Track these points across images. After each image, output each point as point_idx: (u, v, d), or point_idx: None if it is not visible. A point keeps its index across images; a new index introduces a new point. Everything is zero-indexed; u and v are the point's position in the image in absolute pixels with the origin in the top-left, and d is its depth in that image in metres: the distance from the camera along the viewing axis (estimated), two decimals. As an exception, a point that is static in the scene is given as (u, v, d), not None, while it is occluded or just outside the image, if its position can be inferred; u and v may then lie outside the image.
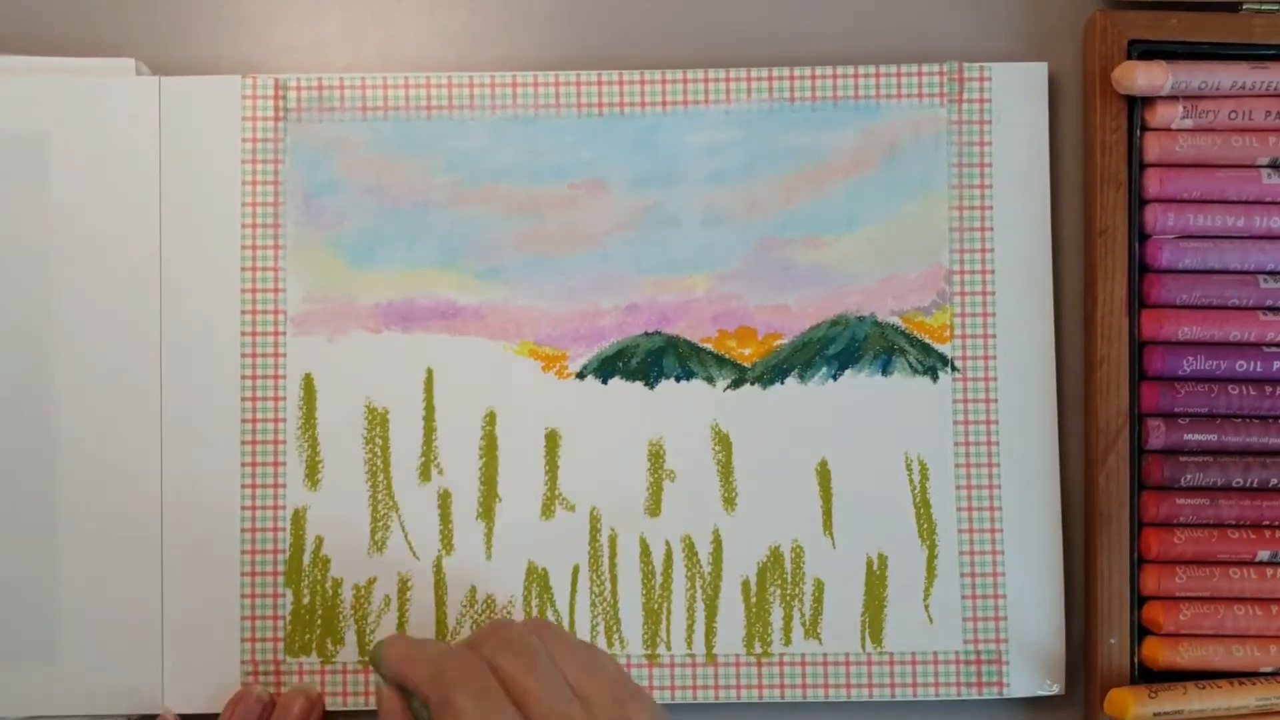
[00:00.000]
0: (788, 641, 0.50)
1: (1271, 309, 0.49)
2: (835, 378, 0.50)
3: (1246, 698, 0.47)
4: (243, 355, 0.50)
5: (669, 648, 0.50)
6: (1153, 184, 0.49)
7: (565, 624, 0.50)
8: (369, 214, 0.50)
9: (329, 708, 0.49)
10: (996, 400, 0.50)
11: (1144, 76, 0.48)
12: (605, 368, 0.50)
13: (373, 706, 0.49)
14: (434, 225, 0.50)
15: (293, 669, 0.49)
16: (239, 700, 0.48)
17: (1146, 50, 0.49)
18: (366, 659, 0.49)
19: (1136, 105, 0.49)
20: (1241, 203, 0.49)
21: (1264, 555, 0.48)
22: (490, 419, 0.50)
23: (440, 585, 0.50)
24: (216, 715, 0.49)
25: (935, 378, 0.50)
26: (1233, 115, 0.48)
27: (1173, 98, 0.48)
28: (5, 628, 0.49)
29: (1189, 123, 0.48)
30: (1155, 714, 0.47)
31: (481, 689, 0.41)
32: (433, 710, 0.41)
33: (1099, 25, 0.49)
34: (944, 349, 0.50)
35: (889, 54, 0.51)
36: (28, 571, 0.49)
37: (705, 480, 0.50)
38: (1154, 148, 0.49)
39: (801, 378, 0.50)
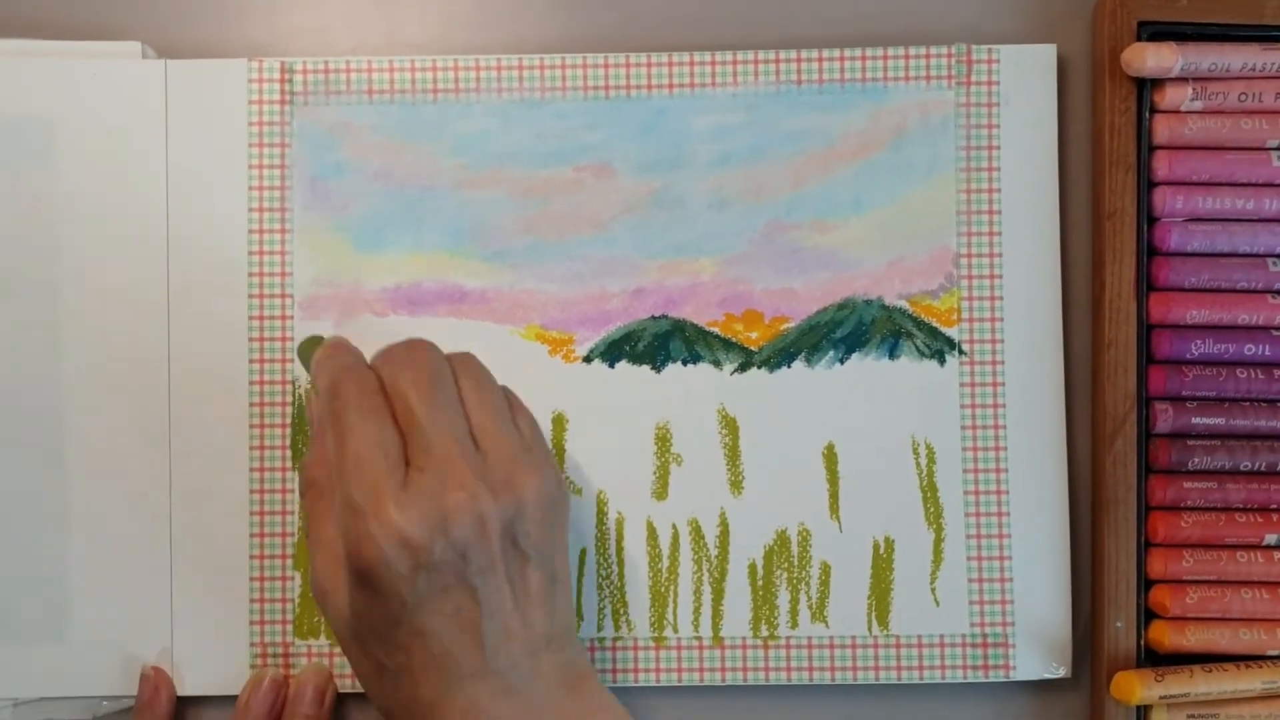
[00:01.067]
0: (794, 624, 0.50)
1: (1281, 292, 0.49)
2: (842, 361, 0.50)
3: (1253, 681, 0.47)
4: (250, 339, 0.50)
5: (676, 630, 0.50)
6: (1162, 167, 0.49)
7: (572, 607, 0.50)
8: (376, 198, 0.50)
9: (338, 690, 0.49)
10: (1004, 384, 0.50)
11: (1154, 58, 0.47)
12: (612, 351, 0.50)
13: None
14: (441, 209, 0.50)
15: (301, 651, 0.49)
16: (255, 685, 0.48)
17: (1156, 32, 0.49)
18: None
19: (1146, 87, 0.49)
20: (1251, 185, 0.49)
21: (1271, 539, 0.48)
22: (497, 402, 0.50)
23: (448, 568, 0.50)
24: (224, 697, 0.49)
25: (942, 361, 0.50)
26: (1243, 97, 0.48)
27: (1182, 79, 0.48)
28: (16, 609, 0.49)
29: (1199, 105, 0.48)
30: (1161, 697, 0.47)
31: (369, 407, 0.40)
32: (317, 421, 0.41)
33: (1108, 7, 0.49)
34: (951, 332, 0.50)
35: (896, 36, 0.51)
36: (38, 553, 0.49)
37: (712, 464, 0.50)
38: (1163, 130, 0.49)
39: (809, 361, 0.50)
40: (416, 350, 0.42)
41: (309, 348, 0.46)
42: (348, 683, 0.49)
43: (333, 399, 0.41)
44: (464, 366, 0.43)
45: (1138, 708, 0.48)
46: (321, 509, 0.42)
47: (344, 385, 0.41)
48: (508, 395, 0.44)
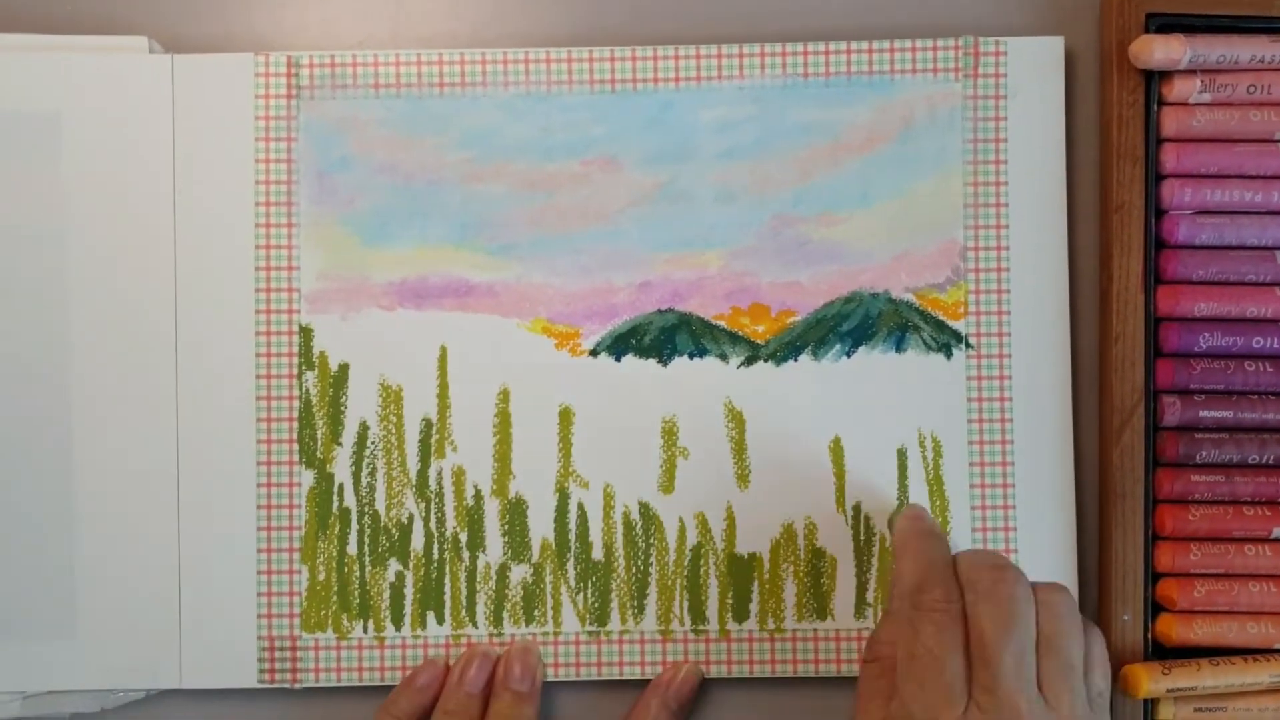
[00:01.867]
0: (800, 617, 0.50)
1: (1289, 285, 0.49)
2: (849, 355, 0.50)
3: (1260, 674, 0.47)
4: (257, 333, 0.50)
5: (682, 623, 0.50)
6: (1169, 159, 0.49)
7: (579, 599, 0.50)
8: (382, 191, 0.50)
9: (344, 684, 0.50)
10: (1010, 377, 0.50)
11: (1161, 50, 0.47)
12: (618, 345, 0.50)
13: (389, 683, 0.49)
14: (447, 202, 0.50)
15: (309, 645, 0.50)
16: (471, 659, 0.49)
17: (1164, 24, 0.48)
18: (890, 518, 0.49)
19: (1153, 80, 0.49)
20: (1259, 178, 0.49)
21: (1279, 532, 0.48)
22: (504, 396, 0.50)
23: (454, 561, 0.50)
24: (232, 690, 0.49)
25: (949, 355, 0.50)
26: (1251, 89, 0.48)
27: (1190, 71, 0.48)
28: (25, 605, 0.49)
29: (1207, 97, 0.48)
30: (1169, 690, 0.47)
31: (947, 626, 0.40)
32: (891, 613, 0.42)
33: (1116, -1, 0.49)
34: (958, 326, 0.50)
35: (903, 28, 0.51)
36: (47, 549, 0.49)
37: (718, 457, 0.50)
38: (1171, 122, 0.49)
39: (815, 355, 0.50)
40: (1002, 583, 0.42)
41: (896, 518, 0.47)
42: (352, 676, 0.50)
43: (915, 600, 0.41)
44: (1049, 603, 0.42)
45: (1145, 701, 0.48)
46: (879, 687, 0.43)
47: (929, 591, 0.42)
48: (1091, 642, 0.43)
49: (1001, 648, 0.40)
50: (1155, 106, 0.49)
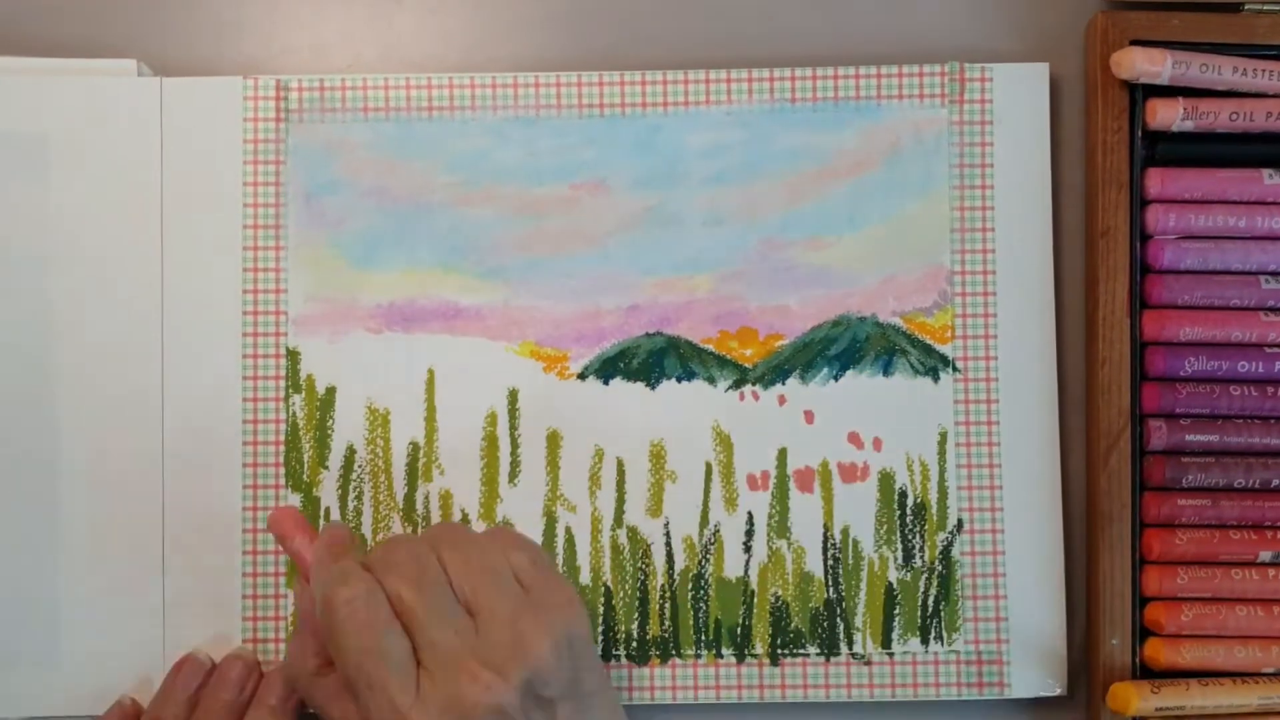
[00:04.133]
0: (789, 642, 0.49)
1: (1273, 309, 0.49)
2: (836, 378, 0.50)
3: (1249, 696, 0.47)
4: (244, 356, 0.50)
5: (675, 649, 0.50)
6: (1154, 184, 0.49)
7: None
8: (370, 215, 0.50)
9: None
10: (998, 401, 0.50)
11: (1143, 61, 0.48)
12: (607, 368, 0.50)
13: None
14: (435, 226, 0.50)
15: (294, 670, 0.49)
16: (182, 665, 0.48)
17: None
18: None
19: (1138, 106, 0.49)
20: (1243, 203, 0.49)
21: (1266, 556, 0.48)
22: (491, 419, 0.50)
23: (441, 586, 0.50)
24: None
25: (936, 378, 0.50)
26: (1234, 116, 0.48)
27: (1173, 99, 0.48)
28: (8, 630, 0.49)
29: (1190, 125, 0.48)
30: (1158, 709, 0.47)
31: (367, 618, 0.40)
32: (321, 626, 0.41)
33: (1100, 25, 0.49)
34: (945, 350, 0.50)
35: (890, 55, 0.51)
36: (30, 574, 0.49)
37: (706, 481, 0.50)
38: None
39: (803, 378, 0.50)
40: (395, 549, 0.42)
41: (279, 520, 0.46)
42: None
43: (329, 615, 0.41)
44: (442, 537, 0.42)
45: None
46: (329, 689, 0.43)
47: (331, 599, 0.41)
48: (497, 533, 0.44)
49: (421, 599, 0.40)
50: (1139, 132, 0.49)
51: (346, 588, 0.41)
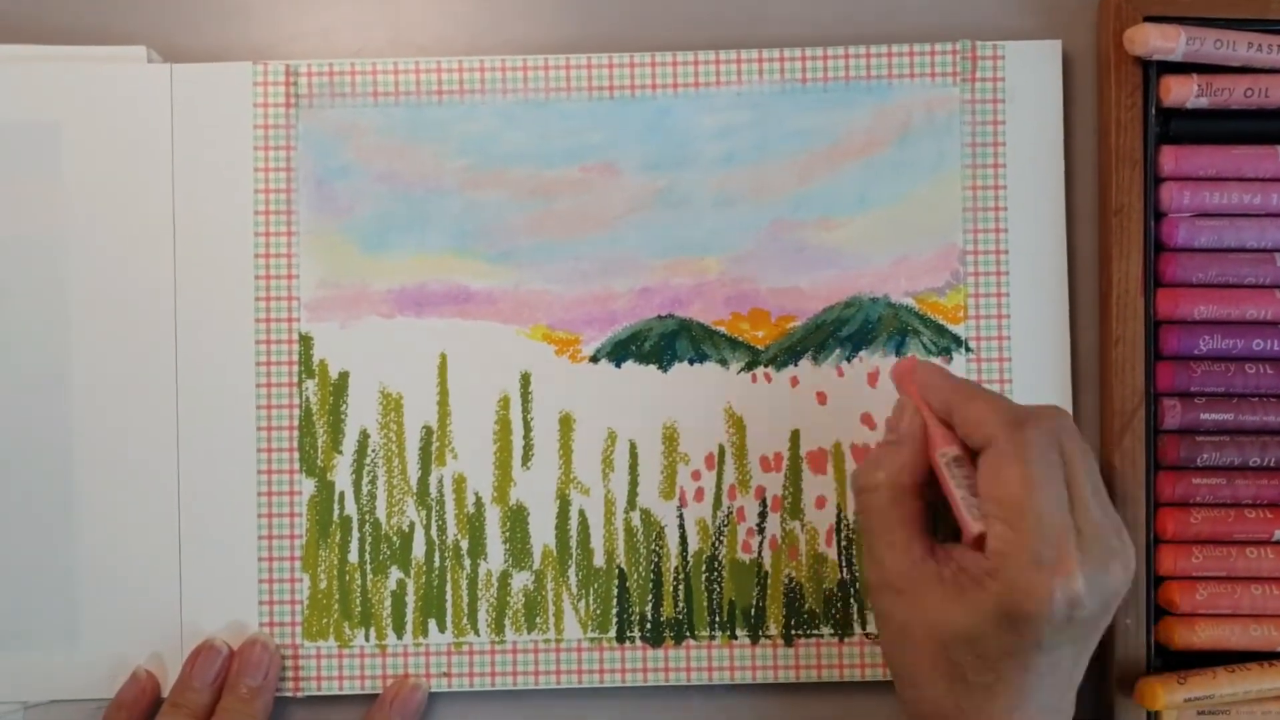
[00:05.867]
0: (805, 622, 0.50)
1: (1288, 287, 0.49)
2: (849, 359, 0.50)
3: (1277, 680, 0.47)
4: (257, 342, 0.50)
5: (689, 630, 0.50)
6: (1168, 162, 0.49)
7: (581, 606, 0.50)
8: (381, 199, 0.50)
9: (345, 692, 0.50)
10: (1011, 381, 0.50)
11: (1157, 37, 0.47)
12: (619, 351, 0.50)
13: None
14: (446, 210, 0.50)
15: (310, 653, 0.50)
16: (199, 653, 0.48)
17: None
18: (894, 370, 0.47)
19: (1151, 83, 0.49)
20: (1258, 180, 0.49)
21: (1281, 534, 0.48)
22: (504, 403, 0.50)
23: (455, 569, 0.50)
24: (235, 699, 0.49)
25: (949, 358, 0.50)
26: (1248, 93, 0.48)
27: (1187, 75, 0.48)
28: (27, 614, 0.49)
29: (1204, 101, 0.48)
30: (1185, 699, 0.47)
31: (1050, 459, 0.41)
32: (989, 452, 0.41)
33: (1113, 2, 0.49)
34: (958, 330, 0.50)
35: (901, 33, 0.51)
36: (48, 559, 0.49)
37: (719, 462, 0.50)
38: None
39: (815, 360, 0.50)
40: (1064, 415, 0.43)
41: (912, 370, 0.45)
42: (354, 684, 0.49)
43: (1013, 438, 0.41)
44: (1073, 435, 0.43)
45: (1148, 704, 0.48)
46: (899, 516, 0.43)
47: (1032, 431, 0.41)
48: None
49: (1083, 470, 0.41)
50: (1153, 109, 0.49)
51: (1041, 427, 0.41)
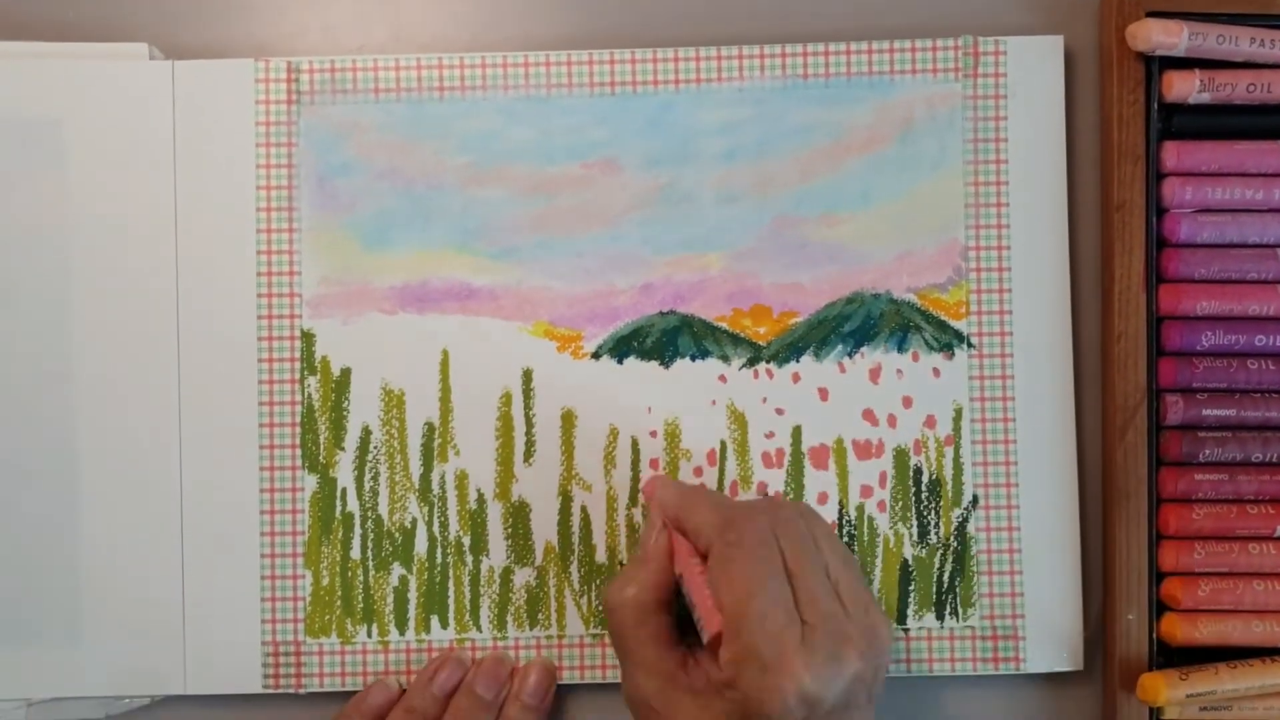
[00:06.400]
0: (805, 619, 0.50)
1: (1291, 282, 0.49)
2: (851, 355, 0.50)
3: (1278, 675, 0.47)
4: (259, 339, 0.50)
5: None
6: (1170, 157, 0.49)
7: (583, 603, 0.50)
8: (383, 196, 0.50)
9: (349, 689, 0.50)
10: (1013, 377, 0.50)
11: (1159, 32, 0.47)
12: (620, 347, 0.50)
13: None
14: (448, 207, 0.50)
15: (313, 650, 0.50)
16: (444, 662, 0.49)
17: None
18: (639, 496, 0.49)
19: (1154, 78, 0.49)
20: (1260, 175, 0.49)
21: (1283, 530, 0.48)
22: (506, 399, 0.50)
23: (457, 565, 0.50)
24: (237, 696, 0.49)
25: (951, 355, 0.50)
26: (1251, 88, 0.48)
27: (1189, 70, 0.48)
28: (30, 612, 0.49)
29: (1206, 97, 0.48)
30: (1188, 695, 0.47)
31: (765, 555, 0.41)
32: (711, 559, 0.42)
33: (1115, -3, 0.49)
34: (960, 325, 0.50)
35: (903, 29, 0.51)
36: (51, 557, 0.49)
37: (721, 459, 0.50)
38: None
39: (817, 356, 0.50)
40: (783, 509, 0.43)
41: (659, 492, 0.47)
42: (356, 680, 0.50)
43: (726, 540, 0.42)
44: (811, 518, 0.44)
45: (1150, 700, 0.48)
46: (648, 632, 0.44)
47: (741, 531, 0.42)
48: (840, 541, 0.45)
49: (806, 556, 0.41)
50: (1155, 105, 0.49)
51: (753, 524, 0.42)
